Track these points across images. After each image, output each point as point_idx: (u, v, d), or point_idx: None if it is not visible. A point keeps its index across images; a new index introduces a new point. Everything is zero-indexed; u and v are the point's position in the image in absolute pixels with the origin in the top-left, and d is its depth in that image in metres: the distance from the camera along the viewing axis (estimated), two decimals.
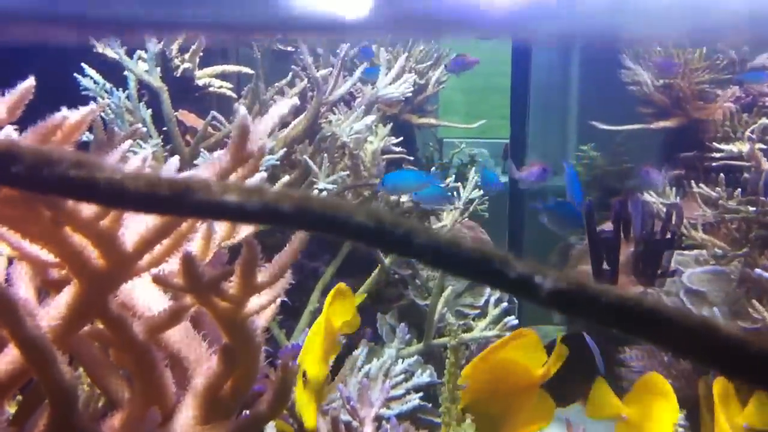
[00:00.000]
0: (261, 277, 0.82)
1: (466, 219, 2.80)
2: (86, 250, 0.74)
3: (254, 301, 0.84)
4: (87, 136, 1.47)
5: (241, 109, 0.79)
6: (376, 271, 2.26)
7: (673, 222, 1.82)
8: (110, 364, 0.93)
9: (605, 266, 1.80)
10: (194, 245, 0.89)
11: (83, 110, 0.71)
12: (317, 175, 2.04)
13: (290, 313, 2.18)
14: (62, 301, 0.76)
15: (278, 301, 0.90)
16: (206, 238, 0.90)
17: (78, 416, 0.76)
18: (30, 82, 0.74)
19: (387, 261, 2.24)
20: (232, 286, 0.81)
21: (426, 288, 2.52)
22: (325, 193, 1.91)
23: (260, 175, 0.91)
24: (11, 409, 1.04)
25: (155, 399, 0.87)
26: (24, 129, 0.71)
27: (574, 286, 0.35)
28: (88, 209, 0.70)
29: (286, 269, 0.85)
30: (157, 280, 0.79)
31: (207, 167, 0.80)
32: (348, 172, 2.14)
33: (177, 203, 0.37)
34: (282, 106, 0.86)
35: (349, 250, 2.27)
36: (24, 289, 0.82)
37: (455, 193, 2.41)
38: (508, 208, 3.81)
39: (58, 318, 0.76)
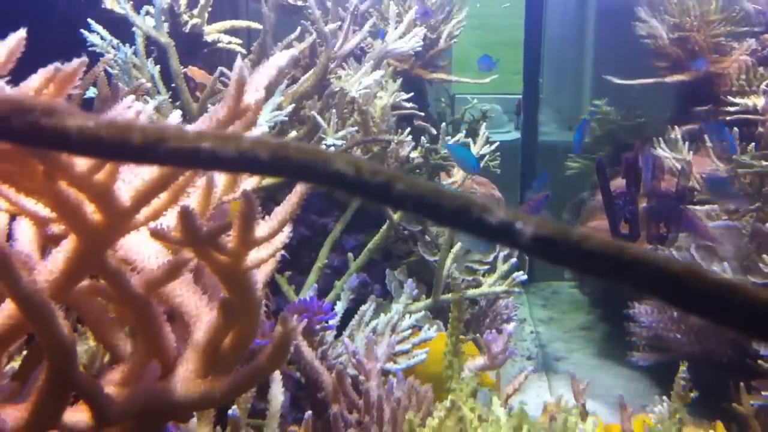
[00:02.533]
0: (260, 231, 0.81)
1: (477, 175, 2.79)
2: (82, 204, 0.73)
3: (253, 255, 0.83)
4: (93, 92, 1.46)
5: (238, 61, 0.77)
6: (385, 226, 2.26)
7: (681, 179, 1.79)
8: (112, 319, 0.93)
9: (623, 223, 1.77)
10: (194, 200, 0.88)
11: (75, 62, 0.70)
12: (326, 131, 2.03)
13: (300, 268, 2.19)
14: (59, 256, 0.76)
15: (278, 255, 0.89)
16: (206, 193, 0.89)
17: (75, 370, 0.76)
18: (21, 33, 0.73)
19: (395, 217, 2.24)
20: (230, 240, 0.81)
21: (435, 244, 2.51)
22: (333, 148, 1.89)
23: (261, 129, 0.90)
24: (16, 364, 1.05)
25: (155, 353, 0.87)
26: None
27: (556, 232, 0.34)
28: (82, 163, 0.69)
29: (285, 224, 0.84)
30: (155, 234, 0.79)
31: (204, 120, 0.79)
32: (357, 128, 2.12)
33: (151, 151, 0.36)
34: (280, 57, 0.84)
35: (358, 206, 2.27)
36: (26, 244, 0.82)
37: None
38: (520, 164, 3.78)
39: (56, 273, 0.75)
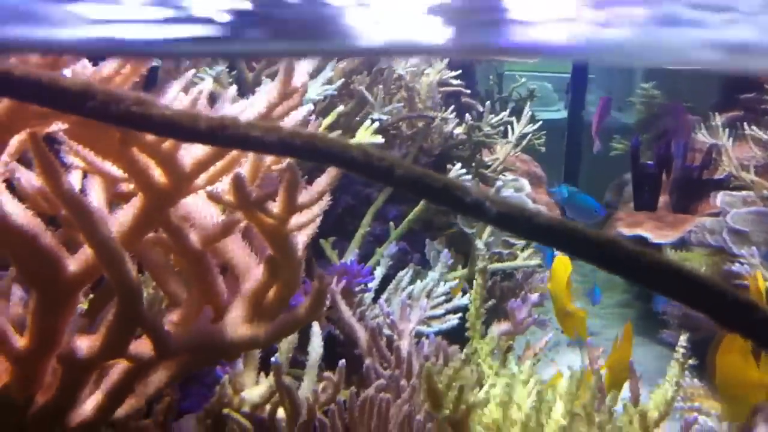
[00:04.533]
0: (301, 198, 0.93)
1: (520, 153, 2.87)
2: (150, 167, 0.85)
3: (295, 219, 0.95)
4: (157, 62, 1.59)
5: None
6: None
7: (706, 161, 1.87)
8: (172, 269, 1.06)
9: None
10: (246, 168, 1.00)
11: None
12: (372, 106, 2.14)
13: (344, 235, 2.31)
14: (129, 211, 0.89)
15: (317, 220, 1.01)
16: (256, 163, 1.01)
17: (141, 308, 0.89)
18: None
19: None
20: (276, 205, 0.93)
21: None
22: (377, 123, 2.00)
23: (307, 107, 1.02)
24: (84, 306, 1.19)
25: (208, 299, 1.00)
26: None
27: (514, 210, 0.45)
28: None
29: (325, 193, 0.96)
30: (211, 196, 0.91)
31: (259, 99, 0.91)
32: (403, 104, 2.22)
33: (213, 136, 0.48)
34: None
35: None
36: (97, 199, 0.95)
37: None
38: (566, 143, 3.84)
39: (126, 225, 0.88)
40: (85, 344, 0.92)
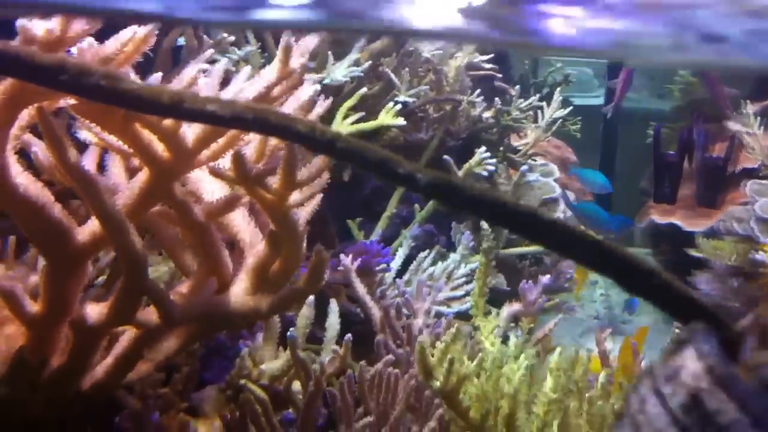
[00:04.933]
0: (300, 175, 0.97)
1: (552, 138, 2.87)
2: (153, 143, 0.90)
3: (295, 196, 0.99)
4: (182, 41, 1.64)
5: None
6: None
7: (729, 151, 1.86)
8: (183, 243, 1.11)
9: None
10: (252, 146, 1.04)
11: (147, 28, 0.86)
12: (398, 89, 2.16)
13: (370, 216, 2.34)
14: (135, 184, 0.93)
15: (318, 197, 1.05)
16: (262, 141, 1.05)
17: (145, 277, 0.93)
18: None
19: (460, 174, 2.35)
20: (276, 181, 0.96)
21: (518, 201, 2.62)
22: (399, 106, 2.02)
23: (313, 87, 1.05)
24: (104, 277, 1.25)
25: (214, 271, 1.04)
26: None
27: (442, 181, 0.48)
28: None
29: (323, 170, 0.99)
30: (213, 172, 0.95)
31: (259, 80, 0.95)
32: (430, 87, 2.24)
33: (174, 109, 0.52)
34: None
35: (429, 162, 2.40)
36: (115, 173, 1.00)
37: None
38: (602, 129, 3.82)
39: (131, 198, 0.93)
40: (95, 311, 0.97)
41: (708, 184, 1.84)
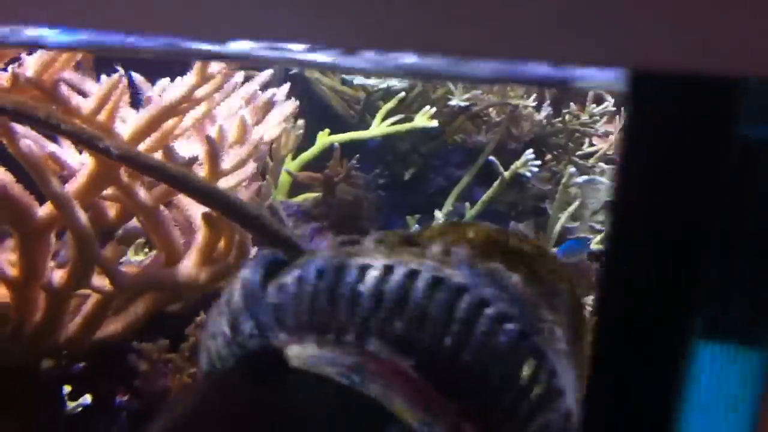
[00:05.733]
0: (225, 165, 1.12)
1: None
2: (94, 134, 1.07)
3: (222, 183, 1.14)
4: None
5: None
6: (498, 181, 2.42)
7: None
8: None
9: None
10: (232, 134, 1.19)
11: None
12: (453, 92, 2.28)
13: (431, 213, 2.43)
14: (83, 171, 1.11)
15: (254, 185, 1.20)
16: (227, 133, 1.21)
17: (93, 249, 1.11)
18: None
19: (506, 175, 2.42)
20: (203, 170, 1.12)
21: (568, 202, 2.61)
22: (434, 109, 2.15)
23: (237, 77, 1.19)
24: None
25: (164, 248, 1.21)
26: None
27: (129, 151, 0.62)
28: (86, 105, 1.03)
29: (247, 159, 1.14)
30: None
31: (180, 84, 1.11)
32: (481, 91, 2.34)
33: (44, 123, 0.68)
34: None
35: (484, 162, 2.46)
36: (72, 159, 1.18)
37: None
38: None
39: (79, 182, 1.11)
40: (58, 275, 1.16)
41: None
